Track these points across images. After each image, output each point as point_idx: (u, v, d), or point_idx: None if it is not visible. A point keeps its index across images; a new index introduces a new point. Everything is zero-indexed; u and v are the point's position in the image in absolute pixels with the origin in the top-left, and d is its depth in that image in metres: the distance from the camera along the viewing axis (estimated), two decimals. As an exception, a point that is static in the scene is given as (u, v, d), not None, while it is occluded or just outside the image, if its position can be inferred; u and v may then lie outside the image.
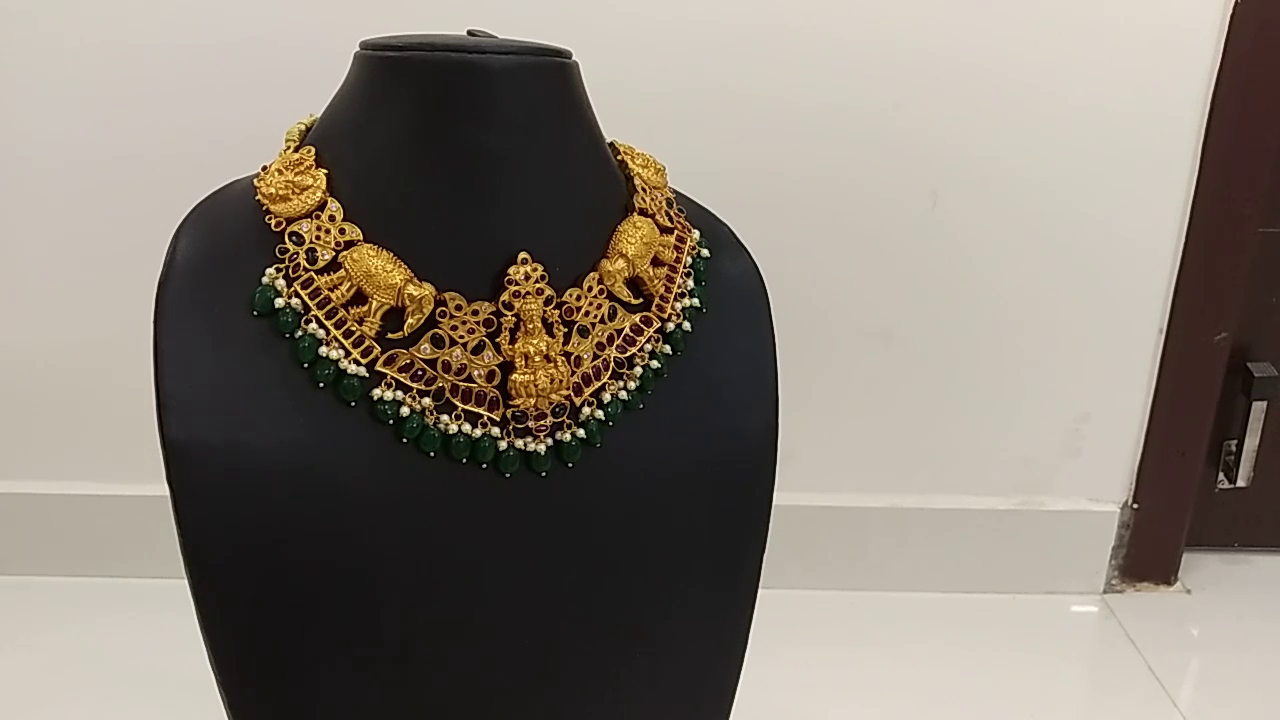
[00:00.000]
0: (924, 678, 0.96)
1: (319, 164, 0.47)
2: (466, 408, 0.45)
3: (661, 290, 0.50)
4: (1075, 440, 1.06)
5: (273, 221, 0.46)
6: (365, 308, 0.45)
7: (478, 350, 0.46)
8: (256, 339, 0.44)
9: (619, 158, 0.53)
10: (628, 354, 0.49)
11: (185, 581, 0.44)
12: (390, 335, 0.45)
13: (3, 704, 0.89)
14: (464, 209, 0.46)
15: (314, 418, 0.44)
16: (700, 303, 0.52)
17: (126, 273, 0.88)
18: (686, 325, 0.51)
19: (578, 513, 0.48)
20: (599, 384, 0.48)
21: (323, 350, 0.44)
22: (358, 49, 0.48)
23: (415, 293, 0.45)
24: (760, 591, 0.54)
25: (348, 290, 0.45)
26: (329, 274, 0.45)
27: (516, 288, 0.45)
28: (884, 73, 0.93)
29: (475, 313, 0.45)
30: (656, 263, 0.50)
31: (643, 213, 0.50)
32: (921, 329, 1.02)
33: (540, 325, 0.46)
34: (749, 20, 0.91)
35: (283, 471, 0.44)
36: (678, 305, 0.51)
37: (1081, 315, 1.02)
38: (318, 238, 0.45)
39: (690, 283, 0.52)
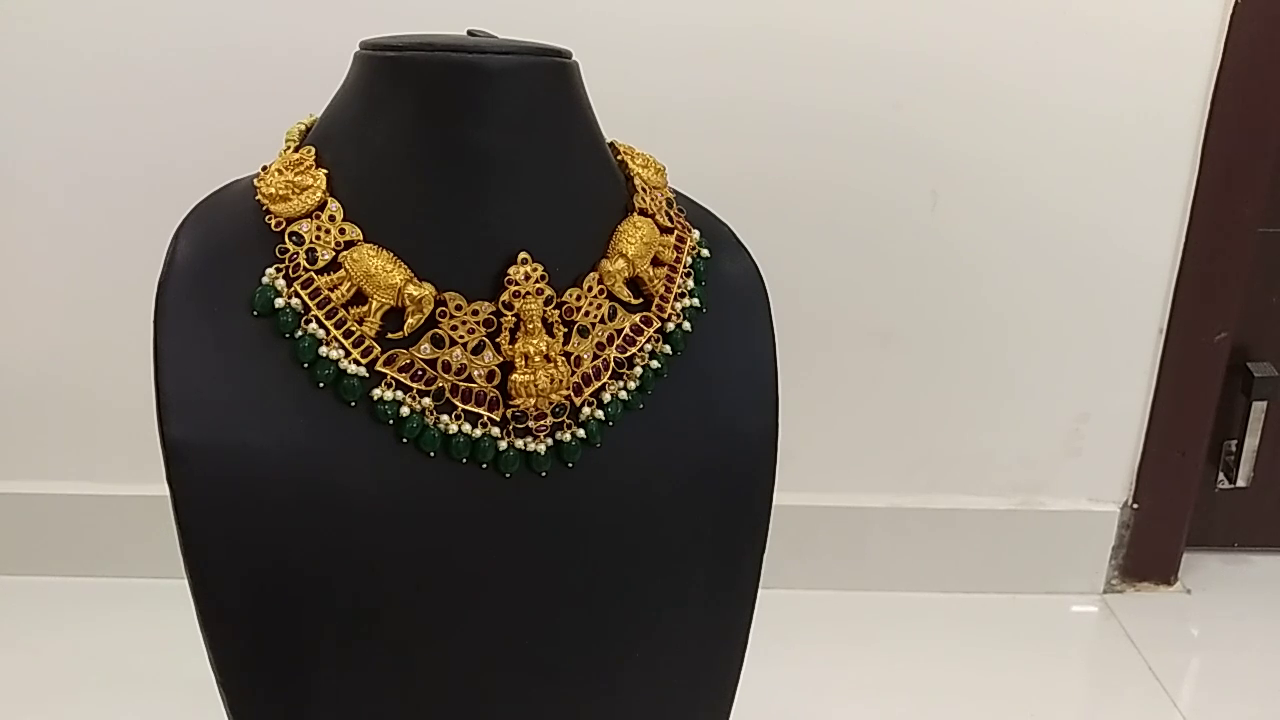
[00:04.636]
0: (924, 678, 0.96)
1: (319, 164, 0.47)
2: (466, 408, 0.46)
3: (661, 290, 0.50)
4: (1075, 440, 1.06)
5: (273, 221, 0.46)
6: (365, 308, 0.45)
7: (478, 350, 0.46)
8: (256, 339, 0.44)
9: (619, 158, 0.53)
10: (628, 354, 0.49)
11: (185, 581, 0.44)
12: (390, 335, 0.45)
13: (3, 704, 0.89)
14: (464, 209, 0.46)
15: (314, 418, 0.44)
16: (700, 303, 0.52)
17: (126, 273, 0.88)
18: (686, 325, 0.51)
19: (577, 513, 0.48)
20: (599, 384, 0.48)
21: (323, 350, 0.44)
22: (357, 49, 0.48)
23: (415, 293, 0.45)
24: (760, 591, 0.54)
25: (348, 290, 0.45)
26: (329, 274, 0.45)
27: (516, 288, 0.45)
28: (883, 74, 0.93)
29: (475, 313, 0.45)
30: (656, 263, 0.50)
31: (643, 213, 0.50)
32: (921, 329, 1.02)
33: (540, 325, 0.46)
34: (749, 22, 0.91)
35: (282, 471, 0.44)
36: (678, 305, 0.51)
37: (1081, 315, 1.02)
38: (318, 238, 0.45)
39: (690, 283, 0.52)
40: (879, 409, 1.05)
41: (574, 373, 0.47)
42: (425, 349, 0.45)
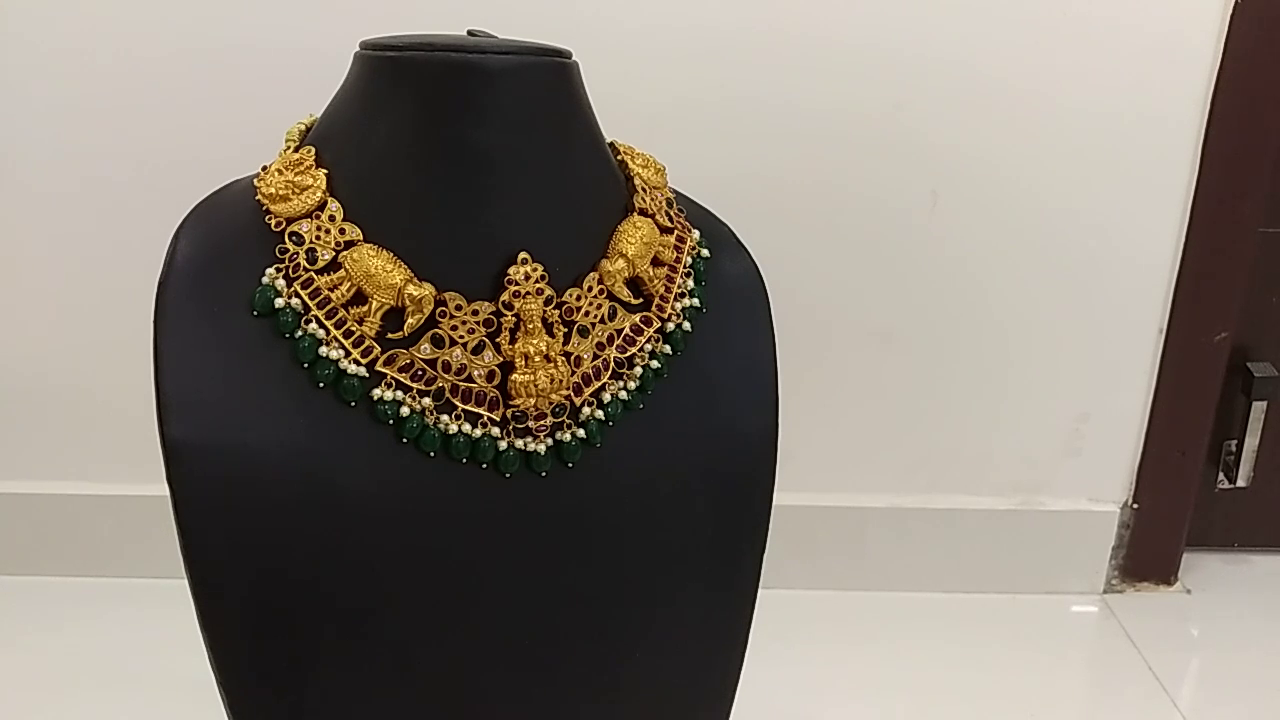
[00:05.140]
0: (924, 678, 0.96)
1: (319, 164, 0.47)
2: (466, 408, 0.46)
3: (661, 290, 0.50)
4: (1075, 440, 1.06)
5: (273, 221, 0.46)
6: (365, 308, 0.45)
7: (478, 350, 0.46)
8: (256, 339, 0.44)
9: (619, 158, 0.53)
10: (628, 354, 0.49)
11: (185, 581, 0.44)
12: (390, 335, 0.45)
13: (3, 704, 0.89)
14: (464, 209, 0.46)
15: (314, 418, 0.44)
16: (700, 303, 0.52)
17: (126, 273, 0.88)
18: (686, 325, 0.51)
19: (577, 513, 0.48)
20: (599, 384, 0.48)
21: (323, 350, 0.44)
22: (358, 49, 0.48)
23: (415, 293, 0.45)
24: (760, 591, 0.54)
25: (348, 290, 0.45)
26: (329, 274, 0.45)
27: (516, 288, 0.45)
28: (884, 75, 0.93)
29: (475, 313, 0.45)
30: (656, 263, 0.50)
31: (643, 213, 0.50)
32: (921, 329, 1.02)
33: (540, 325, 0.46)
34: (749, 22, 0.91)
35: (282, 471, 0.44)
36: (678, 305, 0.51)
37: (1082, 315, 1.02)
38: (318, 238, 0.45)
39: (690, 283, 0.52)
40: (879, 409, 1.04)
41: (574, 373, 0.47)
42: (425, 349, 0.45)
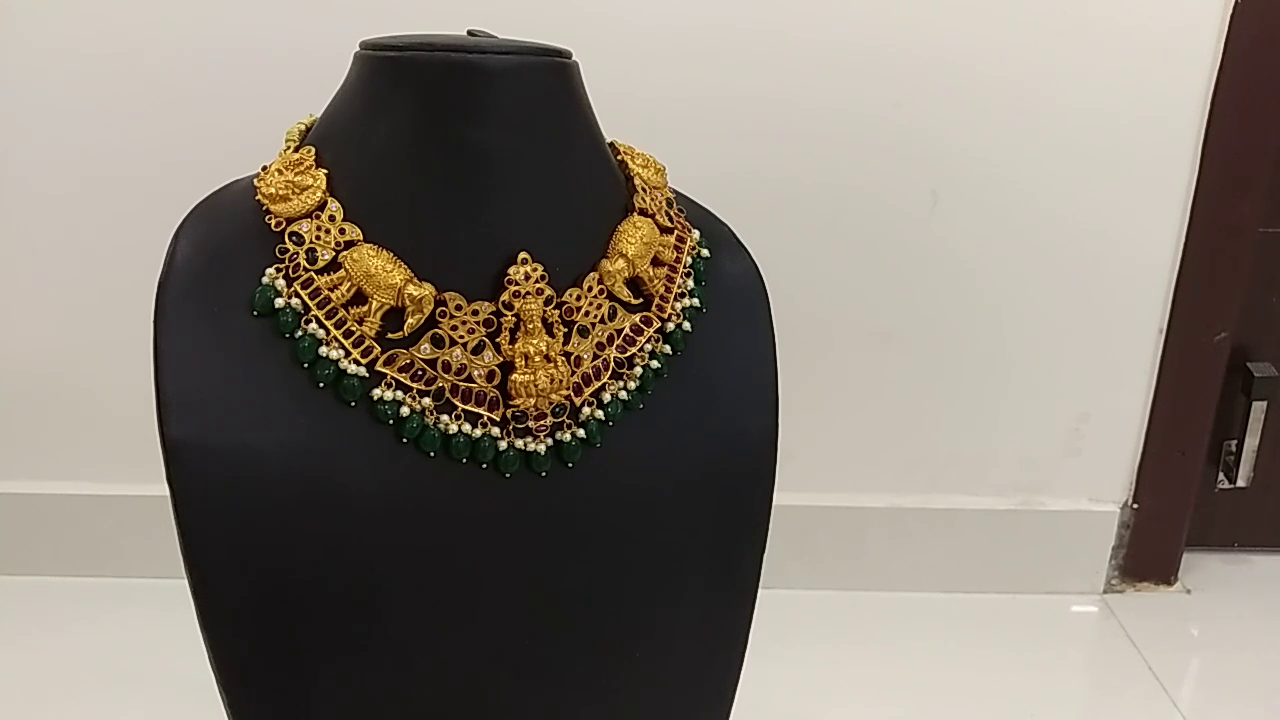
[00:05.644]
0: (924, 678, 0.96)
1: (319, 164, 0.47)
2: (466, 408, 0.46)
3: (661, 290, 0.50)
4: (1075, 440, 1.06)
5: (273, 221, 0.46)
6: (365, 308, 0.45)
7: (478, 350, 0.46)
8: (256, 339, 0.44)
9: (619, 158, 0.53)
10: (628, 354, 0.49)
11: (185, 581, 0.44)
12: (390, 335, 0.45)
13: (3, 704, 0.89)
14: (464, 209, 0.46)
15: (314, 418, 0.44)
16: (700, 303, 0.52)
17: (126, 273, 0.88)
18: (686, 325, 0.51)
19: (577, 513, 0.48)
20: (599, 384, 0.48)
21: (323, 350, 0.44)
22: (358, 49, 0.48)
23: (415, 293, 0.45)
24: (760, 591, 0.54)
25: (348, 290, 0.45)
26: (329, 274, 0.45)
27: (516, 288, 0.45)
28: (883, 74, 0.93)
29: (475, 313, 0.45)
30: (656, 263, 0.50)
31: (643, 213, 0.50)
32: (921, 329, 1.02)
33: (540, 325, 0.46)
34: (749, 22, 0.91)
35: (282, 471, 0.44)
36: (678, 305, 0.51)
37: (1082, 315, 1.02)
38: (318, 238, 0.45)
39: (690, 283, 0.52)
40: (879, 409, 1.04)
41: (574, 373, 0.47)
42: (425, 349, 0.45)
